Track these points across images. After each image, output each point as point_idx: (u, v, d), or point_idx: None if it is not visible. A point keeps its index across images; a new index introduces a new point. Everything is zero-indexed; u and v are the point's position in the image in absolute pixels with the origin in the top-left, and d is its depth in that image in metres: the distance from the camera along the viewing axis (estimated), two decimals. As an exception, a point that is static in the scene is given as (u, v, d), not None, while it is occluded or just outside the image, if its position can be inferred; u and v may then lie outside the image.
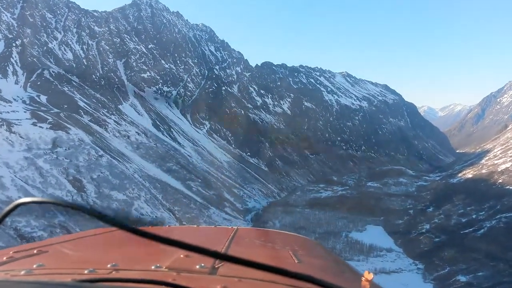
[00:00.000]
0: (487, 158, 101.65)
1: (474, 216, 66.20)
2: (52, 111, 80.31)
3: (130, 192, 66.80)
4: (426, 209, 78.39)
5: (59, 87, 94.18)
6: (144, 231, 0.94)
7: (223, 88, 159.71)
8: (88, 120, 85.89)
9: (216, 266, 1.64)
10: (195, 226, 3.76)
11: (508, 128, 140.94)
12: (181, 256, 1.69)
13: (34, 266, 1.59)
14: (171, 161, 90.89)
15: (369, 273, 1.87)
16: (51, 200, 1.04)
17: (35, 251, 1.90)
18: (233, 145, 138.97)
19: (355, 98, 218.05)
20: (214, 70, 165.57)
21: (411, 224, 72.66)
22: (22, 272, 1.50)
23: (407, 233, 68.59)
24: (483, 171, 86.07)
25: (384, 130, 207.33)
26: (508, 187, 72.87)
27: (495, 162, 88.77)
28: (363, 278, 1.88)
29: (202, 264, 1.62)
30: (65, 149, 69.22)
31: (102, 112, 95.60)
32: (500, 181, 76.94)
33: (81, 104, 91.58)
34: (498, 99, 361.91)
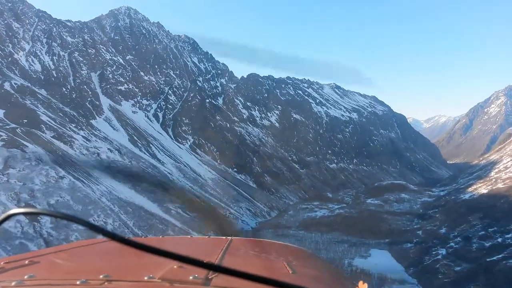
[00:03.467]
0: (496, 170, 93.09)
1: (499, 240, 56.27)
2: (7, 127, 69.90)
3: (95, 220, 56.57)
4: (438, 230, 68.71)
5: (20, 100, 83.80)
6: (137, 242, 0.92)
7: (207, 100, 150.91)
8: (51, 137, 75.59)
9: (210, 277, 1.63)
10: (189, 236, 3.59)
11: None
12: (174, 267, 1.67)
13: (25, 277, 1.56)
14: (147, 181, 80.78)
15: (363, 283, 1.86)
16: (43, 211, 1.01)
17: (26, 262, 1.87)
18: (218, 161, 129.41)
19: (345, 110, 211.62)
20: (197, 82, 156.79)
21: (423, 249, 62.92)
22: (13, 284, 1.47)
23: (419, 260, 58.83)
24: (500, 185, 76.42)
25: (375, 142, 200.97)
26: None
27: (511, 175, 79.77)
28: None
29: (196, 275, 1.60)
30: (19, 170, 58.93)
31: (69, 128, 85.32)
32: None
33: (44, 118, 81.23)
34: (486, 109, 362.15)
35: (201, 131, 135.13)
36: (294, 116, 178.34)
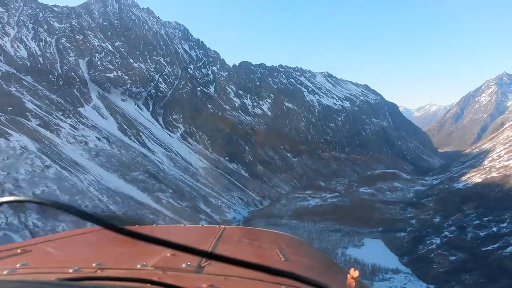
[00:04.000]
0: (490, 159, 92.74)
1: (495, 229, 55.64)
2: (-9, 115, 67.56)
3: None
4: (432, 219, 68.02)
5: (5, 87, 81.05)
6: (130, 231, 0.94)
7: (199, 88, 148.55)
8: (37, 125, 73.35)
9: (203, 265, 1.65)
10: (182, 225, 3.70)
11: (505, 126, 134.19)
12: (167, 255, 1.69)
13: (18, 265, 1.57)
14: (137, 170, 79.17)
15: (354, 270, 1.91)
16: (35, 199, 1.02)
17: (18, 251, 1.87)
18: (210, 150, 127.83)
19: (337, 99, 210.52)
20: (189, 69, 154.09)
21: (417, 238, 62.25)
22: (5, 272, 1.48)
23: (414, 249, 58.20)
24: (494, 174, 75.78)
25: (367, 131, 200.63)
26: None
27: (505, 164, 79.06)
28: (348, 276, 1.92)
29: (189, 263, 1.62)
30: (3, 159, 56.97)
31: (56, 116, 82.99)
32: None
33: (30, 106, 78.78)
34: (477, 98, 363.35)
35: (192, 119, 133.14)
36: (287, 104, 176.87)
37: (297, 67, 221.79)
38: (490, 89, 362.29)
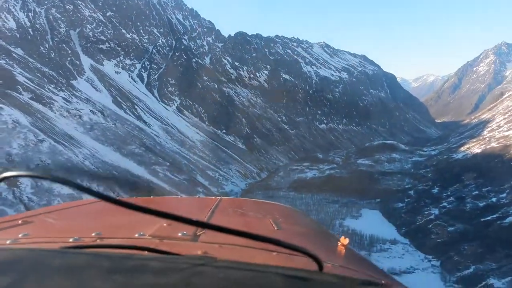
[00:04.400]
0: (489, 129, 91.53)
1: (494, 200, 55.08)
2: (-20, 88, 65.76)
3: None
4: (430, 190, 67.68)
5: (-6, 59, 78.72)
6: (127, 202, 0.97)
7: (194, 60, 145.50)
8: (29, 98, 71.59)
9: (198, 234, 1.71)
10: (178, 196, 4.68)
11: (505, 96, 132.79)
12: (164, 224, 1.76)
13: (20, 235, 1.61)
14: (133, 143, 78.22)
15: (344, 238, 1.99)
16: (37, 174, 1.04)
17: (19, 222, 1.90)
18: (206, 122, 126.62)
19: (335, 69, 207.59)
20: (183, 40, 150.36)
21: (415, 209, 62.10)
22: (8, 242, 1.52)
23: (412, 220, 58.05)
24: (494, 144, 74.58)
25: (365, 102, 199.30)
26: None
27: (505, 134, 77.86)
28: (339, 243, 2.01)
29: (184, 232, 1.69)
30: (-5, 134, 55.78)
31: (48, 89, 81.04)
32: None
33: (21, 79, 76.63)
34: (475, 68, 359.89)
35: (188, 92, 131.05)
36: (283, 76, 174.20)
37: (294, 37, 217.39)
38: (488, 58, 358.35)
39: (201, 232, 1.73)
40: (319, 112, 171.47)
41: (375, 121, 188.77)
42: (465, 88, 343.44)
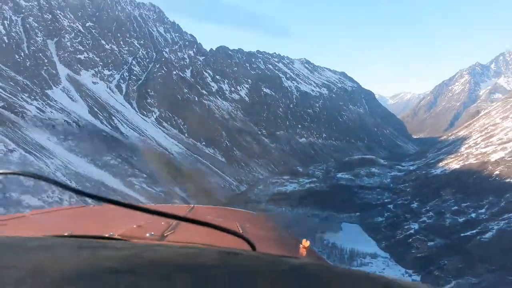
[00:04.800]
0: (466, 145, 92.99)
1: (473, 215, 55.52)
2: None
3: (49, 196, 52.16)
4: (410, 205, 67.89)
5: (-35, 66, 75.99)
6: (101, 196, 1.00)
7: (174, 72, 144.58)
8: (0, 107, 69.06)
9: (165, 235, 1.74)
10: (152, 204, 3.93)
11: (481, 114, 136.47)
12: (134, 226, 1.81)
13: None
14: (109, 154, 76.16)
15: (306, 241, 2.01)
16: (16, 171, 1.06)
17: None
18: (186, 134, 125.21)
19: (315, 85, 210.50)
20: (164, 53, 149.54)
21: (395, 223, 62.03)
22: None
23: (392, 234, 57.81)
24: (472, 161, 76.02)
25: (344, 118, 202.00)
26: (508, 180, 61.31)
27: (483, 150, 79.27)
28: (301, 245, 2.02)
29: (152, 233, 1.73)
30: (-39, 142, 53.39)
31: (22, 97, 78.57)
32: (497, 173, 65.60)
33: (-8, 87, 74.16)
34: (450, 87, 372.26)
35: (168, 104, 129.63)
36: (264, 90, 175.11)
37: (275, 53, 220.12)
38: (463, 78, 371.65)
39: (168, 233, 1.76)
40: (299, 126, 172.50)
41: (354, 136, 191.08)
42: (440, 106, 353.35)
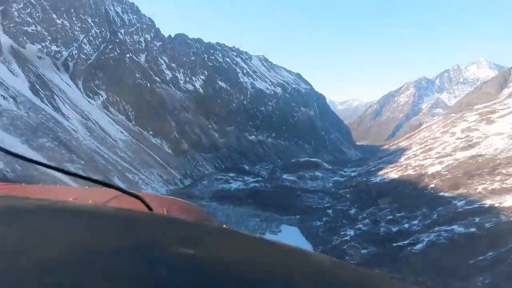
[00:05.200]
0: (406, 156, 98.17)
1: (406, 226, 58.32)
2: None
3: (-27, 176, 49.64)
4: (348, 211, 70.80)
5: None
6: (36, 161, 1.20)
7: (128, 55, 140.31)
8: None
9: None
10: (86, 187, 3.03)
11: (422, 127, 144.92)
12: (70, 199, 1.89)
13: None
14: (46, 136, 73.07)
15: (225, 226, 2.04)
16: None
17: None
18: (133, 122, 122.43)
19: (270, 83, 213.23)
20: (119, 34, 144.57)
21: (332, 228, 64.55)
22: None
23: (329, 239, 60.06)
24: (410, 172, 79.73)
25: (295, 119, 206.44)
26: (442, 193, 64.48)
27: (421, 163, 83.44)
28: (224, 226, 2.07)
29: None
30: None
31: (-48, 66, 73.06)
32: (432, 185, 68.98)
33: None
34: (396, 98, 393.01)
35: (117, 87, 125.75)
36: (220, 83, 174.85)
37: (234, 47, 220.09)
38: (409, 90, 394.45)
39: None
40: (250, 123, 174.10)
41: (302, 138, 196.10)
42: (385, 116, 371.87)
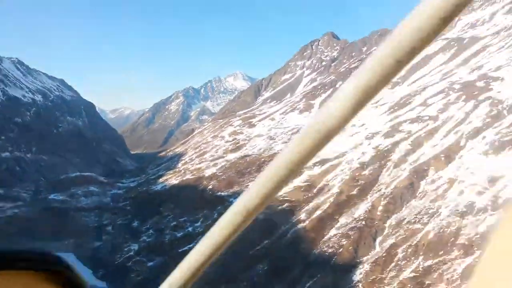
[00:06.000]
0: (183, 161, 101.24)
1: (190, 229, 60.70)
2: None
3: None
4: (131, 224, 68.33)
5: None
6: None
7: None
8: None
9: None
10: None
11: (195, 133, 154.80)
12: None
13: None
14: None
15: None
16: None
17: None
18: None
19: (28, 90, 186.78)
20: None
21: (114, 246, 61.80)
22: None
23: (111, 260, 57.46)
24: (189, 176, 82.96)
25: (60, 130, 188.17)
26: (220, 193, 70.17)
27: (198, 166, 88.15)
28: None
29: None
30: None
31: None
32: (211, 187, 73.84)
33: None
34: (167, 106, 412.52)
35: None
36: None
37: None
38: (179, 99, 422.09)
39: None
40: (3, 137, 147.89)
41: (71, 151, 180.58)
42: (158, 123, 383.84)
